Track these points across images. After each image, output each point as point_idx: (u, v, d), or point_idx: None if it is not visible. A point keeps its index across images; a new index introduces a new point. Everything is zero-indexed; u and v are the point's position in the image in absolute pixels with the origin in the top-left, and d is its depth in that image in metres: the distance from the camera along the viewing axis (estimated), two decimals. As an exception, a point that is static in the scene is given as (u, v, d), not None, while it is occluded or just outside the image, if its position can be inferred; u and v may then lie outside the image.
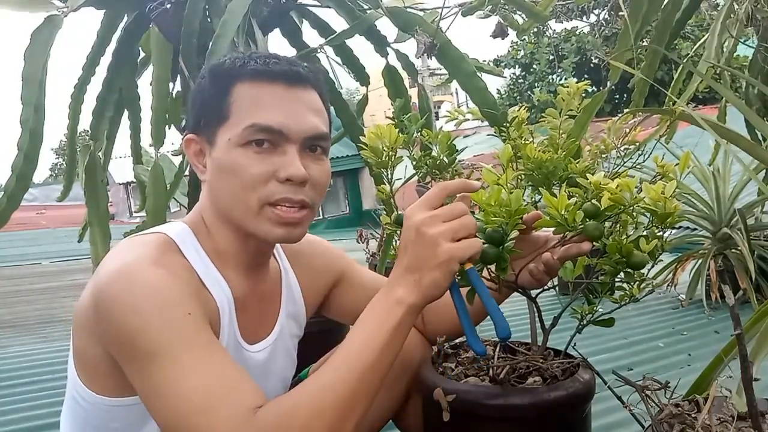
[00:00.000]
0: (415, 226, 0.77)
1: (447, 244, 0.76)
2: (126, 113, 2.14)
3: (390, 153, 0.99)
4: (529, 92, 16.78)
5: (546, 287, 1.00)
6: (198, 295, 0.83)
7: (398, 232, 1.09)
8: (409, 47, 1.93)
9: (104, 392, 0.85)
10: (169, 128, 1.97)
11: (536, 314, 1.03)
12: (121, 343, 0.77)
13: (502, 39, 2.34)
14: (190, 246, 0.88)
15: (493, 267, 0.89)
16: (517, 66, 17.57)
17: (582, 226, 0.84)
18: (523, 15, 2.15)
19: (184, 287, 0.80)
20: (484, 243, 0.84)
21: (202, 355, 0.75)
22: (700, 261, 2.71)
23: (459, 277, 0.82)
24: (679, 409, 0.88)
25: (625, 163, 1.17)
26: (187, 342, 0.75)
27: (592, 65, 15.96)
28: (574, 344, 1.03)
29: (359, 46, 2.10)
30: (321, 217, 12.64)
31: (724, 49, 2.07)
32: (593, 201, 0.85)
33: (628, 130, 1.19)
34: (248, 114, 0.85)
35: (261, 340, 0.97)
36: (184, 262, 0.86)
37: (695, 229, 3.07)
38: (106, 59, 1.99)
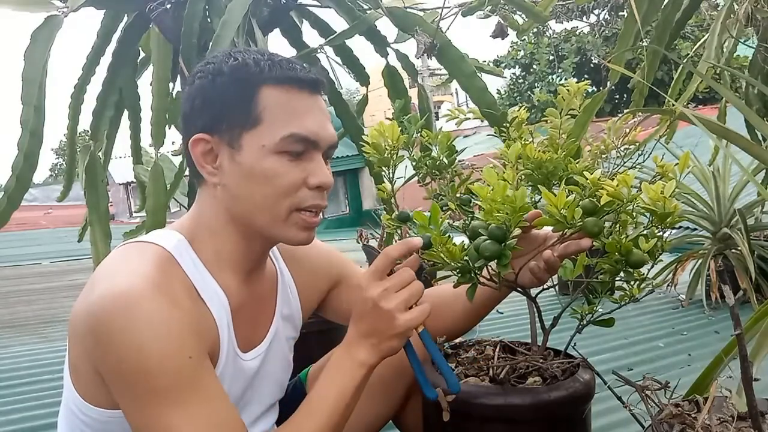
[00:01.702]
0: (372, 300, 0.84)
1: (402, 316, 0.84)
2: (126, 113, 2.14)
3: (392, 151, 0.99)
4: (529, 92, 16.79)
5: (546, 287, 1.00)
6: (197, 319, 0.82)
7: (398, 231, 1.09)
8: (409, 47, 1.94)
9: (99, 404, 0.84)
10: (169, 128, 1.96)
11: (536, 314, 1.03)
12: (119, 378, 0.78)
13: (502, 39, 2.34)
14: (187, 258, 0.87)
15: (493, 265, 0.89)
16: (517, 66, 17.57)
17: (581, 223, 0.84)
18: (523, 15, 2.15)
19: (184, 320, 0.79)
20: (486, 239, 0.85)
21: (197, 405, 0.77)
22: (700, 261, 2.71)
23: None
24: (679, 409, 0.88)
25: (625, 163, 1.17)
26: (185, 390, 0.76)
27: (592, 65, 15.97)
28: (574, 344, 1.03)
29: (359, 46, 2.10)
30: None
31: (724, 49, 2.07)
32: (591, 198, 0.85)
33: (628, 130, 1.19)
34: (285, 122, 0.85)
35: (256, 345, 0.96)
36: (182, 276, 0.84)
37: (695, 229, 3.07)
38: (106, 59, 1.99)
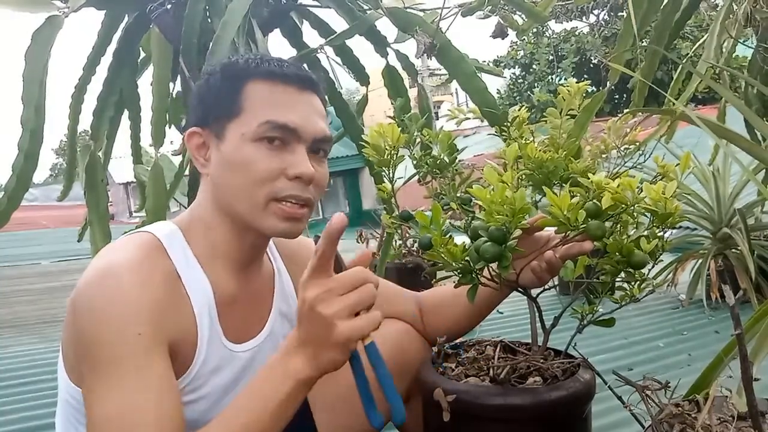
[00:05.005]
0: (309, 302, 0.74)
1: (343, 324, 0.73)
2: (126, 113, 2.14)
3: (392, 151, 0.99)
4: (528, 92, 16.79)
5: (546, 287, 1.00)
6: (165, 305, 0.82)
7: (399, 231, 1.09)
8: (409, 47, 1.94)
9: None
10: (169, 128, 1.97)
11: (537, 314, 1.03)
12: (77, 347, 0.81)
13: (502, 39, 2.34)
14: (177, 247, 0.89)
15: (494, 266, 0.89)
16: (516, 66, 17.58)
17: (584, 225, 0.84)
18: (523, 15, 2.15)
19: (148, 300, 0.79)
20: (486, 241, 0.84)
21: (133, 383, 0.75)
22: (700, 261, 2.71)
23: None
24: (679, 409, 0.88)
25: (625, 163, 1.17)
26: (125, 365, 0.76)
27: (591, 65, 15.96)
28: (575, 344, 1.03)
29: (359, 46, 2.10)
30: (321, 217, 12.63)
31: (724, 50, 2.07)
32: (595, 201, 0.85)
33: (628, 130, 1.19)
34: (264, 111, 0.87)
35: (250, 338, 0.97)
36: (167, 264, 0.86)
37: (695, 229, 3.07)
38: (106, 59, 1.99)
